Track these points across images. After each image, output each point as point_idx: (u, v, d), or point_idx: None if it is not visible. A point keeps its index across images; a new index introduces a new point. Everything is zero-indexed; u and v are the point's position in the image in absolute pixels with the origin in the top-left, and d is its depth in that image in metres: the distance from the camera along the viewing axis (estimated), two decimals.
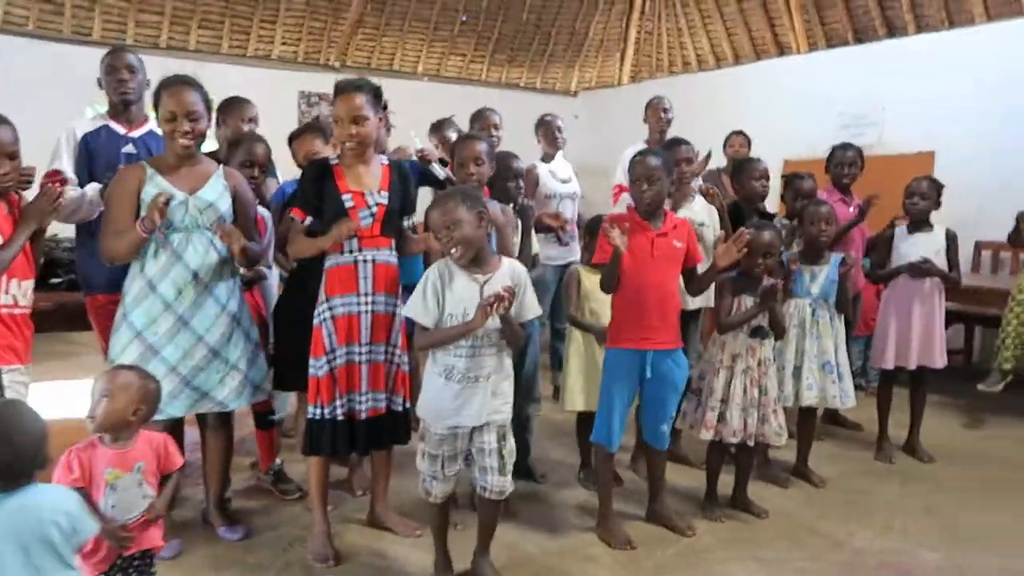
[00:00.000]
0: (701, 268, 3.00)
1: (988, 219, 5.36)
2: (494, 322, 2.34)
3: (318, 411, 2.67)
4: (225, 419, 2.93)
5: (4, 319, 2.41)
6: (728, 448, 3.16)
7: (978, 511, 3.28)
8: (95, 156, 3.07)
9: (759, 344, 3.02)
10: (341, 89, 2.65)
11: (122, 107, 3.15)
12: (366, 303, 2.66)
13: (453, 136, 4.05)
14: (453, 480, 2.50)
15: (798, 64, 7.60)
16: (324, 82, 8.00)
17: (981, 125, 5.87)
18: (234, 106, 3.50)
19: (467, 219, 2.34)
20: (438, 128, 4.41)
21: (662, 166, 2.79)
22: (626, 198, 4.58)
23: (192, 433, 3.00)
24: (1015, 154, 5.58)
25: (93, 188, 3.00)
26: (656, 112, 4.76)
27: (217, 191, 2.70)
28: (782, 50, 8.27)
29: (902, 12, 7.27)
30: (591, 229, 3.30)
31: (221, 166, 2.80)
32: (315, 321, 2.69)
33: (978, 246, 5.85)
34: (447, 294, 2.38)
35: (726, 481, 3.23)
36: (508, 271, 2.45)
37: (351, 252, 2.65)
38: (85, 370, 4.94)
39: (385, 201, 2.69)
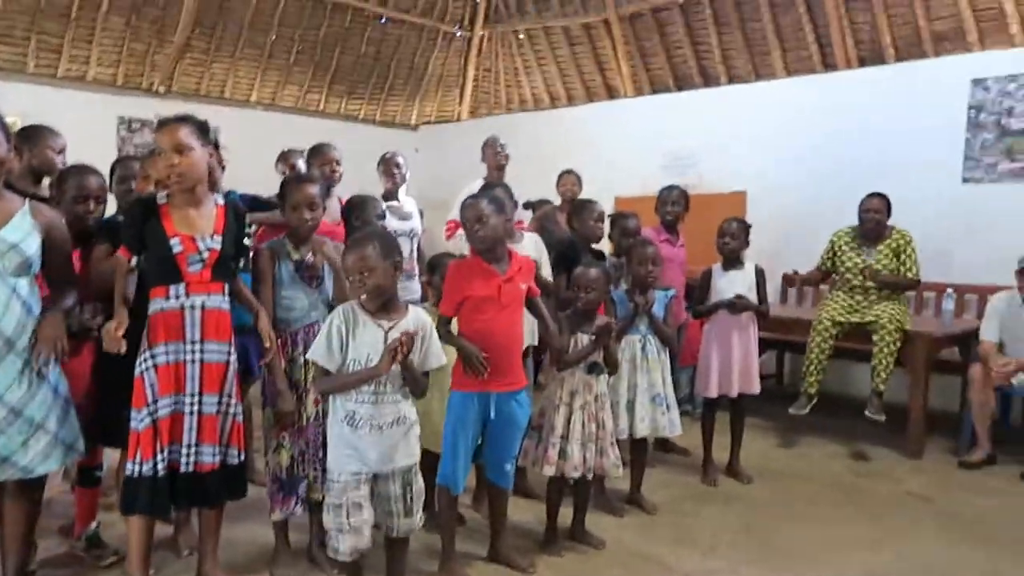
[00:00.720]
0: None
1: (794, 252, 5.90)
2: (398, 368, 2.33)
3: (137, 467, 2.49)
4: (29, 485, 2.63)
5: None
6: (568, 482, 3.24)
7: (792, 526, 3.56)
8: None
9: (595, 380, 3.14)
10: (163, 122, 2.54)
11: None
12: (193, 351, 2.51)
13: (300, 164, 3.96)
14: (360, 534, 2.40)
15: (627, 107, 8.06)
16: (147, 107, 7.54)
17: (784, 167, 6.49)
18: (41, 134, 3.21)
19: (381, 266, 2.33)
20: (285, 158, 4.30)
21: (492, 206, 2.83)
22: (460, 236, 4.65)
23: None
24: (815, 193, 6.21)
25: None
26: (492, 151, 4.88)
27: (23, 231, 2.43)
28: (612, 93, 8.74)
29: (715, 63, 7.93)
30: (432, 267, 3.31)
31: (28, 202, 2.52)
32: (136, 371, 2.50)
33: (785, 278, 6.43)
34: (351, 339, 2.35)
35: (565, 514, 3.31)
36: (413, 318, 2.45)
37: (177, 298, 2.50)
38: None
39: (218, 246, 2.57)
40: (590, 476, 3.18)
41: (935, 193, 5.61)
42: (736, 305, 3.95)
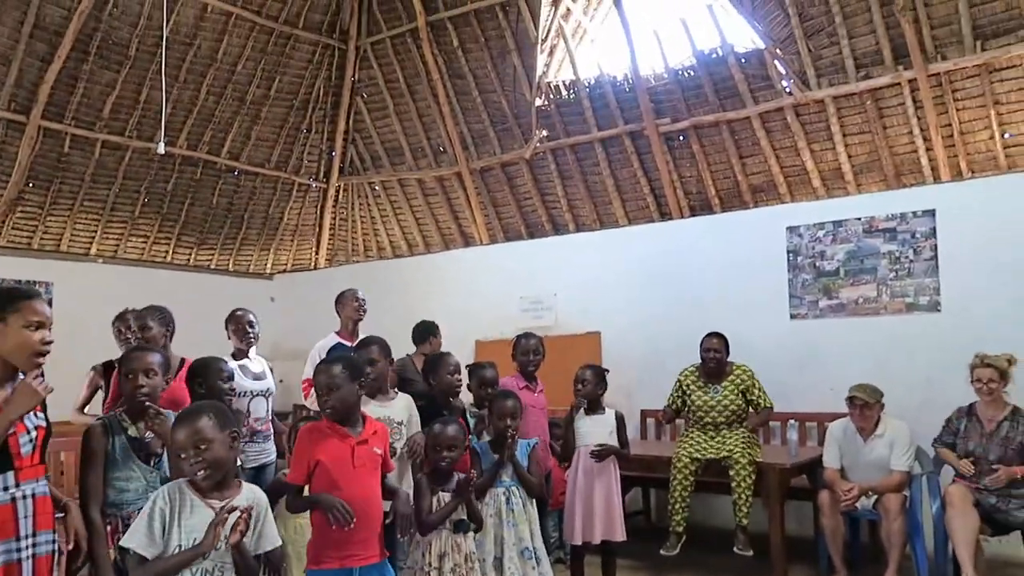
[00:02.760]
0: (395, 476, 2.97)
1: (648, 389, 6.12)
2: (227, 555, 2.11)
3: None
4: None
5: None
6: None
7: None
8: None
9: (463, 538, 3.02)
10: (27, 295, 2.32)
11: None
12: (27, 547, 2.21)
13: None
14: None
15: (482, 254, 8.31)
16: None
17: (633, 308, 6.82)
18: None
19: (218, 439, 2.16)
20: (123, 318, 4.05)
21: (343, 372, 2.75)
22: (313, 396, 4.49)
23: None
24: (661, 332, 6.53)
25: None
26: (350, 304, 4.83)
27: None
28: (467, 240, 9.03)
29: (563, 212, 8.43)
30: (294, 429, 3.15)
31: None
32: None
33: (643, 414, 6.62)
34: (176, 524, 2.11)
35: None
36: (248, 495, 2.26)
37: (6, 489, 2.20)
38: None
39: (44, 423, 2.32)
40: None
41: (767, 329, 6.06)
42: (600, 454, 3.98)
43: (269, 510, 2.36)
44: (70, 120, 7.51)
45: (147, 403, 2.63)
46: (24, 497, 2.24)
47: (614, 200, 8.08)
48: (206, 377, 3.09)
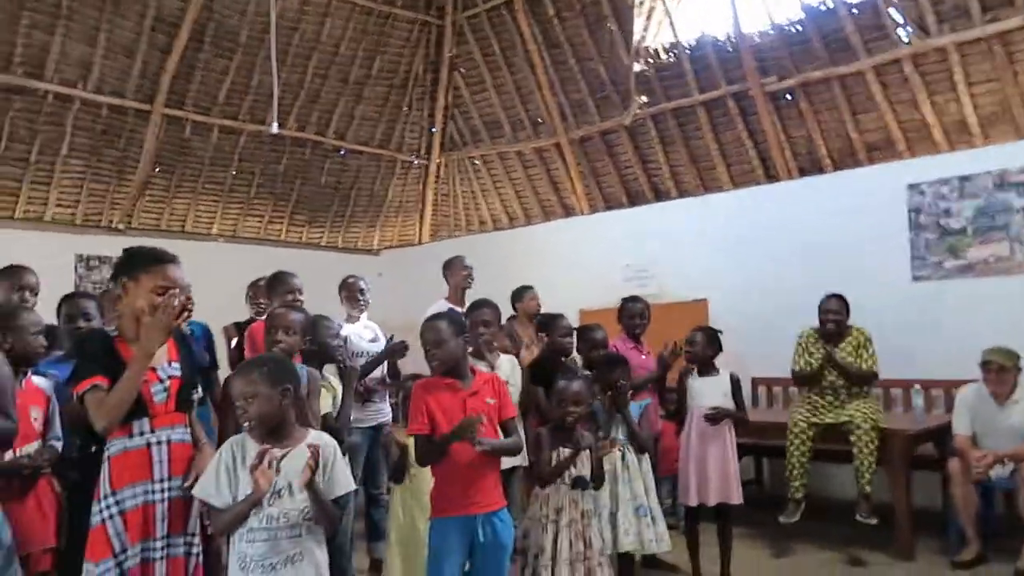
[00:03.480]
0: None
1: (759, 357, 5.96)
2: (299, 499, 2.17)
3: None
4: None
5: None
6: None
7: None
8: None
9: (581, 495, 3.04)
10: (159, 259, 2.46)
11: None
12: (163, 490, 2.37)
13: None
14: None
15: (584, 223, 8.29)
16: (105, 245, 7.54)
17: (742, 274, 6.65)
18: (7, 274, 3.21)
19: (266, 394, 2.22)
20: (255, 286, 4.29)
21: (448, 329, 2.81)
22: None
23: None
24: (773, 298, 6.34)
25: None
26: (458, 271, 4.93)
27: None
28: (568, 211, 9.00)
29: (664, 179, 8.27)
30: (406, 394, 3.25)
31: None
32: (95, 519, 2.32)
33: (754, 382, 6.46)
34: (241, 473, 2.20)
35: None
36: (313, 443, 2.31)
37: (142, 434, 2.37)
38: None
39: (177, 373, 2.48)
40: None
41: (887, 292, 5.78)
42: (713, 418, 3.92)
43: (339, 456, 2.39)
44: (190, 107, 7.93)
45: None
46: (159, 443, 2.39)
47: (718, 164, 7.86)
48: (316, 334, 3.20)
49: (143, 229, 8.02)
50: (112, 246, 7.71)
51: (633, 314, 4.55)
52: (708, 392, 3.99)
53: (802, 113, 7.19)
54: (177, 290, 2.41)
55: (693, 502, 3.96)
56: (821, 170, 7.16)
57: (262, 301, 4.57)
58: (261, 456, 2.12)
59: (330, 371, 3.35)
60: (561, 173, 8.94)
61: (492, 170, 9.54)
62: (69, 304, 3.34)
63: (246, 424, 2.23)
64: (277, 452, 2.19)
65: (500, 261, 7.90)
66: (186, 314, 2.41)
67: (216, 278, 5.54)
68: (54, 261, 7.15)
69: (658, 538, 3.52)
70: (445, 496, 2.74)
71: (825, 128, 7.19)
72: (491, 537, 2.75)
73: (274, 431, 2.26)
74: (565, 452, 3.05)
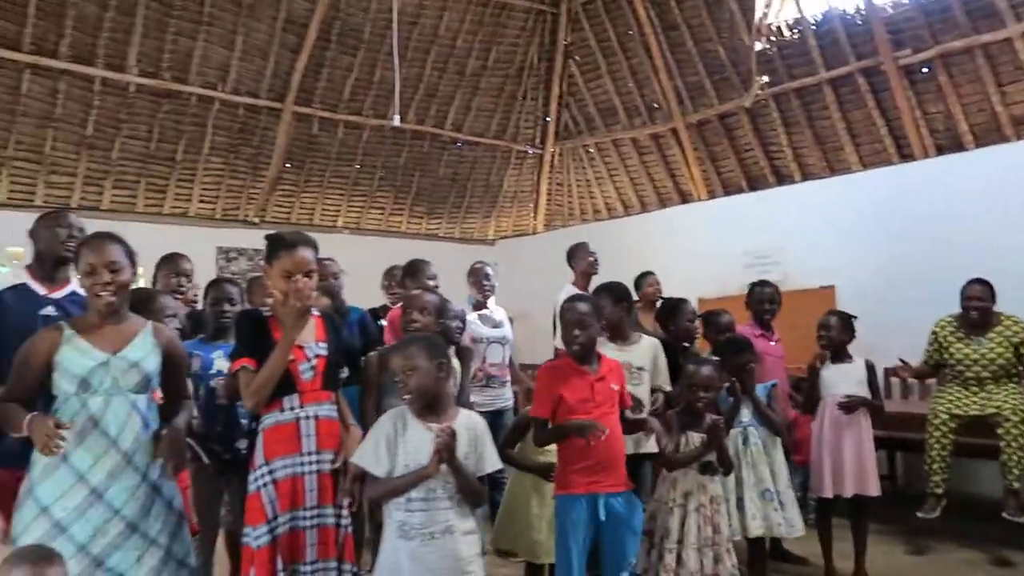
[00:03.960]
0: (631, 414, 3.00)
1: (892, 346, 5.65)
2: (448, 475, 2.27)
3: None
4: None
5: None
6: None
7: None
8: (8, 317, 2.88)
9: (710, 480, 3.01)
10: (292, 243, 2.59)
11: (51, 266, 3.01)
12: (311, 463, 2.51)
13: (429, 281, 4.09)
14: None
15: (702, 209, 8.12)
16: (242, 238, 8.05)
17: (873, 259, 6.34)
18: (167, 261, 3.49)
19: (425, 367, 2.31)
20: (390, 273, 4.47)
21: (592, 311, 2.84)
22: (557, 345, 4.66)
23: None
24: (907, 284, 6.01)
25: None
26: (583, 257, 4.95)
27: (145, 349, 2.53)
28: (684, 198, 8.84)
29: (787, 162, 7.97)
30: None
31: (151, 323, 2.66)
32: (251, 487, 2.50)
33: (887, 372, 6.14)
34: (400, 443, 2.30)
35: None
36: (465, 421, 2.41)
37: (292, 409, 2.52)
38: None
39: (324, 352, 2.61)
40: None
41: None
42: (847, 406, 3.77)
43: (488, 435, 2.45)
44: (317, 104, 8.32)
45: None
46: (307, 418, 2.53)
47: (846, 144, 7.50)
48: (443, 314, 3.29)
49: (275, 222, 8.48)
50: (248, 239, 8.24)
51: (763, 299, 4.41)
52: (842, 380, 3.84)
53: (940, 87, 6.76)
54: (299, 275, 2.52)
55: (828, 493, 3.82)
56: (961, 147, 6.70)
57: (397, 289, 4.75)
58: (447, 434, 2.20)
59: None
60: (677, 159, 8.79)
61: (607, 158, 9.49)
62: (215, 289, 3.57)
63: (405, 397, 2.33)
64: (436, 426, 2.28)
65: (615, 250, 7.82)
66: (313, 296, 2.52)
67: (346, 271, 5.81)
68: (197, 253, 7.68)
69: (788, 523, 3.42)
70: (571, 474, 2.77)
71: (966, 102, 6.72)
72: (618, 517, 2.76)
73: (431, 405, 2.36)
74: (693, 437, 3.03)
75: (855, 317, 4.00)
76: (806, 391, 4.03)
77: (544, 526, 2.94)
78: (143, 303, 3.05)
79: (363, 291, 5.39)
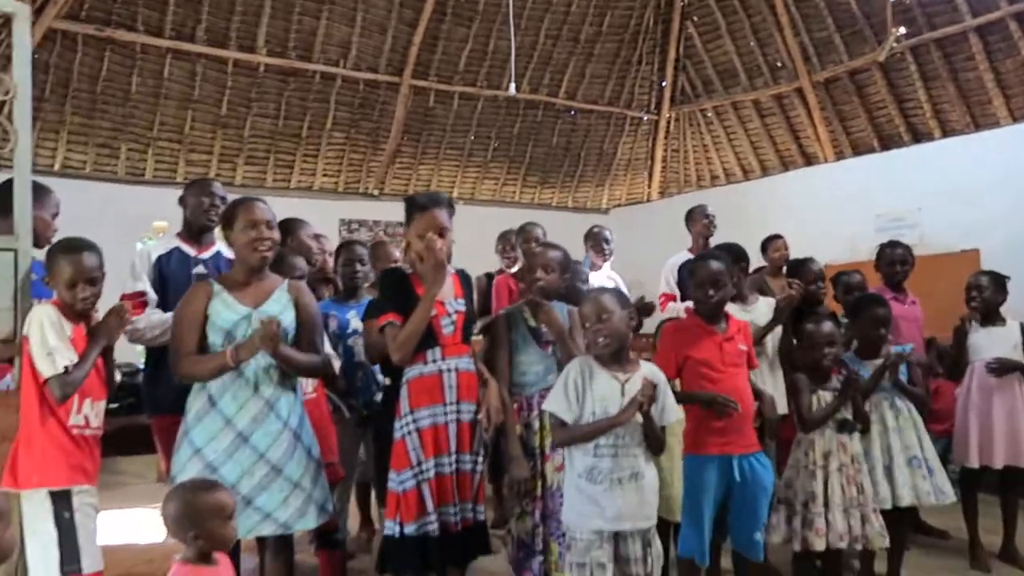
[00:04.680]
0: (756, 379, 2.94)
1: None
2: (632, 424, 2.31)
3: (397, 528, 2.56)
4: (286, 543, 2.79)
5: (76, 439, 2.38)
6: (816, 559, 2.96)
7: None
8: (168, 277, 3.14)
9: (849, 439, 2.89)
10: (423, 205, 2.68)
11: (198, 231, 3.24)
12: (452, 412, 2.61)
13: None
14: None
15: (828, 172, 7.74)
16: (363, 210, 8.34)
17: (1022, 220, 5.85)
18: (295, 225, 3.65)
19: (618, 314, 2.37)
20: (505, 237, 4.55)
21: (725, 270, 2.78)
22: (673, 306, 4.58)
23: (249, 560, 2.88)
24: None
25: None
26: (700, 220, 4.83)
27: (281, 304, 2.68)
28: (809, 160, 8.44)
29: (926, 119, 7.45)
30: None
31: (286, 280, 2.80)
32: (397, 435, 2.62)
33: None
34: (588, 391, 2.36)
35: None
36: (647, 372, 2.43)
37: (435, 362, 2.62)
38: (132, 500, 4.87)
39: (463, 308, 2.70)
40: (857, 546, 2.88)
41: None
42: (1000, 368, 3.51)
43: (668, 386, 2.47)
44: (433, 77, 8.45)
45: (537, 299, 2.90)
46: (449, 370, 2.62)
47: (994, 98, 6.93)
48: (570, 274, 3.29)
49: (394, 195, 8.72)
50: (369, 211, 8.54)
51: (893, 260, 4.17)
52: (994, 343, 3.57)
53: None
54: (430, 234, 2.59)
55: (974, 463, 3.59)
56: None
57: (512, 254, 4.80)
58: (648, 391, 2.27)
59: None
60: (802, 119, 8.39)
61: (725, 121, 9.18)
62: (346, 251, 3.73)
63: (600, 341, 2.37)
64: (622, 376, 2.35)
65: (734, 217, 7.54)
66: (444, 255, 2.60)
67: (456, 239, 5.90)
68: (321, 225, 8.02)
69: (936, 490, 3.24)
70: (701, 434, 2.73)
71: None
72: (750, 477, 2.71)
73: (617, 355, 2.40)
74: (824, 396, 2.92)
75: (1008, 278, 3.71)
76: (952, 355, 3.78)
77: (676, 482, 2.91)
78: (276, 263, 3.23)
79: (477, 261, 5.45)
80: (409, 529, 2.53)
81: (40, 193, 3.06)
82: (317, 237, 3.72)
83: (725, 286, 2.76)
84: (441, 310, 2.64)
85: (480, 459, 2.66)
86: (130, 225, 6.60)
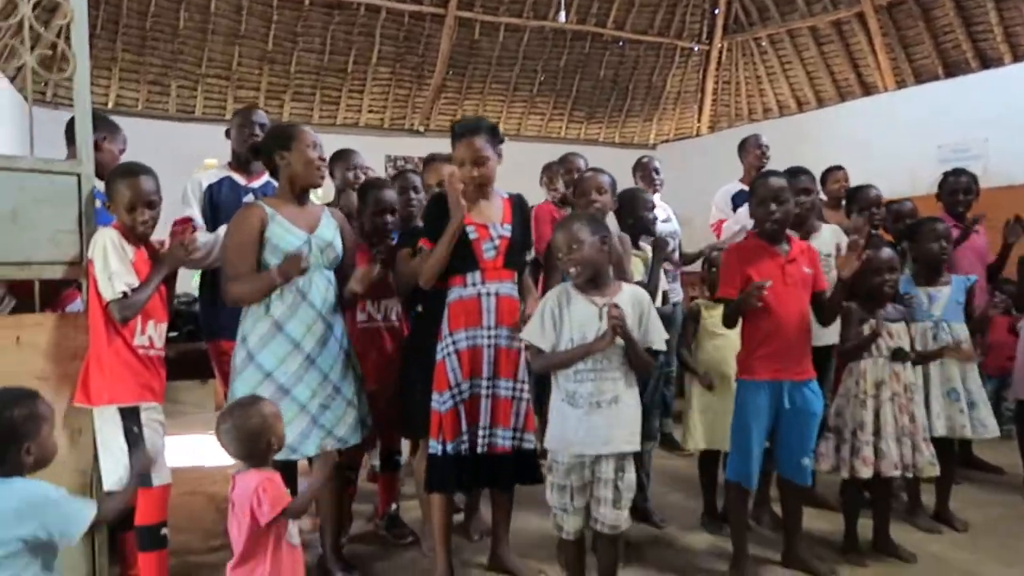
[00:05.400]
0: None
1: None
2: (613, 348, 2.29)
3: (440, 447, 2.62)
4: (344, 463, 2.87)
5: (142, 359, 2.47)
6: (863, 487, 2.95)
7: None
8: (219, 206, 3.19)
9: (902, 368, 2.84)
10: (459, 134, 2.67)
11: (245, 160, 3.28)
12: (490, 336, 2.62)
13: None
14: (583, 514, 2.39)
15: (888, 102, 7.44)
16: (409, 146, 8.31)
17: None
18: (341, 157, 3.66)
19: (588, 241, 2.34)
20: (549, 169, 4.53)
21: (787, 186, 2.71)
22: (730, 225, 4.49)
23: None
24: None
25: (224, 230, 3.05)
26: (753, 150, 4.71)
27: (331, 229, 2.73)
28: (868, 90, 8.11)
29: (996, 44, 7.07)
30: (711, 263, 3.23)
31: (326, 207, 2.85)
32: (438, 356, 2.66)
33: None
34: (565, 318, 2.36)
35: (865, 523, 3.00)
36: (629, 296, 2.41)
37: (474, 285, 2.63)
38: (193, 428, 5.08)
39: (508, 234, 2.68)
40: (909, 475, 2.87)
41: None
42: None
43: (653, 309, 2.45)
44: (479, 8, 8.28)
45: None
46: (488, 294, 2.62)
47: None
48: (633, 208, 3.25)
49: (439, 131, 8.66)
50: (414, 147, 8.50)
51: (957, 188, 4.01)
52: None
53: None
54: (448, 169, 2.63)
55: None
56: None
57: (557, 186, 4.76)
58: (612, 313, 2.24)
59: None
60: (862, 47, 8.03)
61: (780, 51, 8.84)
62: (400, 179, 3.71)
63: (571, 271, 2.37)
64: (600, 301, 2.32)
65: (788, 151, 7.22)
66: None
67: (503, 176, 5.87)
68: (368, 162, 8.08)
69: (980, 423, 3.20)
70: (755, 359, 2.71)
71: None
72: (800, 404, 2.69)
73: (594, 280, 2.38)
74: (875, 325, 2.86)
75: None
76: (1017, 287, 3.66)
77: (726, 415, 2.91)
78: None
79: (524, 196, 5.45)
80: (450, 448, 2.60)
81: (111, 128, 3.14)
82: (362, 169, 3.73)
83: (787, 202, 2.69)
84: (484, 234, 2.64)
85: (524, 387, 2.67)
86: (183, 163, 6.66)
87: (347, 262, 2.80)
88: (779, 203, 2.68)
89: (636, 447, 2.40)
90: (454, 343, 2.63)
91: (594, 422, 2.31)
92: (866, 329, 2.84)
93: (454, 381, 2.62)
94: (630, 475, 2.38)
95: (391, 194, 3.20)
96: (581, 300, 2.37)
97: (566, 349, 2.34)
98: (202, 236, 2.97)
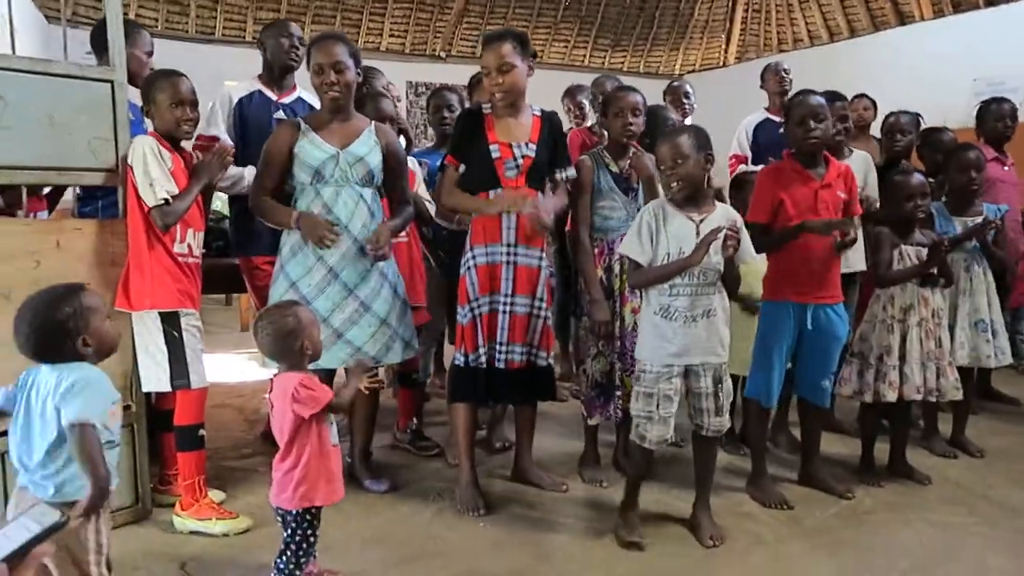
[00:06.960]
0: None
1: None
2: (714, 260, 2.31)
3: (462, 358, 2.70)
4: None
5: (181, 266, 2.52)
6: (881, 411, 3.00)
7: None
8: (248, 120, 3.19)
9: (931, 293, 2.85)
10: (487, 41, 2.67)
11: (279, 74, 3.26)
12: (508, 254, 2.65)
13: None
14: (669, 424, 2.42)
15: (924, 31, 7.22)
16: (431, 73, 8.19)
17: None
18: (371, 73, 3.64)
19: (694, 158, 2.32)
20: (571, 94, 4.46)
21: (825, 105, 2.67)
22: (744, 169, 4.44)
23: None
24: None
25: (252, 171, 2.98)
26: (773, 76, 4.62)
27: (368, 146, 2.72)
28: (903, 19, 7.87)
29: None
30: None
31: (374, 123, 2.82)
32: (461, 270, 2.71)
33: None
34: (662, 233, 2.36)
35: (881, 448, 3.06)
36: (723, 213, 2.40)
37: None
38: (220, 347, 5.18)
39: (532, 153, 2.67)
40: (932, 399, 2.91)
41: None
42: None
43: (744, 228, 2.43)
44: None
45: (627, 140, 2.86)
46: (509, 213, 2.62)
47: None
48: (654, 128, 3.21)
49: (461, 57, 8.54)
50: (436, 74, 8.38)
51: (1000, 116, 3.90)
52: None
53: None
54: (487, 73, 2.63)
55: None
56: None
57: (579, 111, 4.71)
58: (721, 232, 2.25)
59: None
60: None
61: None
62: (436, 97, 3.69)
63: (674, 185, 2.35)
64: (723, 225, 2.30)
65: (818, 82, 7.07)
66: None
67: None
68: None
69: (997, 352, 3.22)
70: (783, 281, 2.72)
71: None
72: (824, 326, 2.71)
73: (692, 197, 2.37)
74: (907, 251, 2.85)
75: None
76: None
77: (748, 341, 2.93)
78: (362, 104, 3.23)
79: None
80: (471, 359, 2.68)
81: (133, 31, 3.10)
82: (387, 87, 3.69)
83: (826, 119, 2.65)
84: (506, 153, 2.64)
85: (543, 304, 2.71)
86: (204, 85, 6.57)
87: (393, 179, 2.82)
88: (818, 121, 2.63)
89: (726, 358, 2.45)
90: (474, 258, 2.68)
91: (692, 333, 2.35)
92: (896, 257, 2.84)
93: (472, 295, 2.67)
94: (727, 383, 2.46)
95: (449, 95, 3.50)
96: (678, 216, 2.37)
97: (662, 264, 2.36)
98: (232, 168, 2.96)
